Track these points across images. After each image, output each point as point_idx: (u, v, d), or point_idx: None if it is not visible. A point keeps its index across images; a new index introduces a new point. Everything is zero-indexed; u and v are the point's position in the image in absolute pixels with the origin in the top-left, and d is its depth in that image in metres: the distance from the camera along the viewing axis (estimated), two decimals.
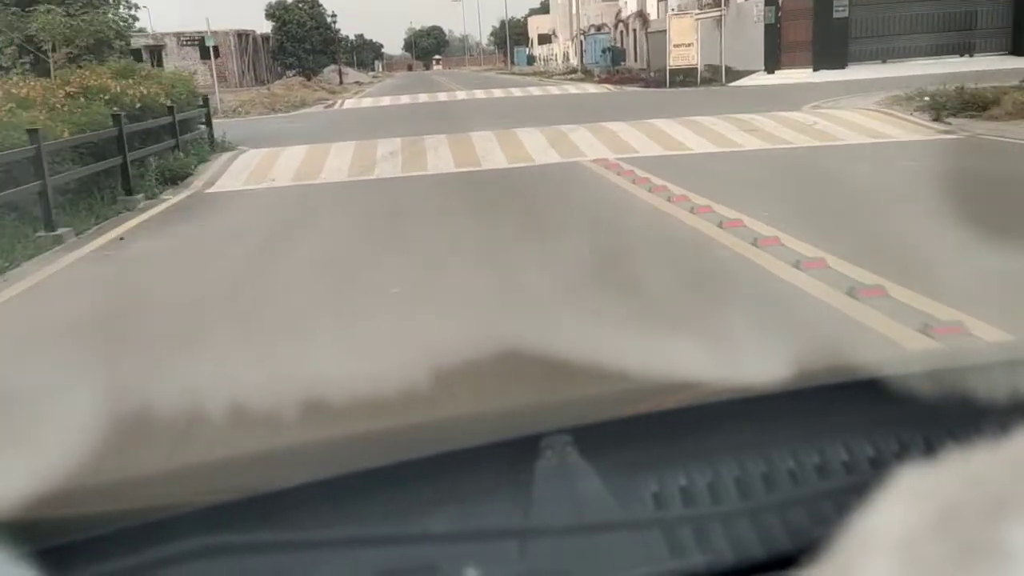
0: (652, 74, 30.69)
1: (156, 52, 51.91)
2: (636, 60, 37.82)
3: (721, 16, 24.25)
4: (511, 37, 79.23)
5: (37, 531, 0.60)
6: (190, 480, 0.78)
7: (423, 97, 27.05)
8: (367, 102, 26.80)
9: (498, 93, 26.99)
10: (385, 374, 3.49)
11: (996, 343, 3.22)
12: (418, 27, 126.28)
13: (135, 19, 31.82)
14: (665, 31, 34.17)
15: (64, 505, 0.71)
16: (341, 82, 51.60)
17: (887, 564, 0.39)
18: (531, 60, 66.02)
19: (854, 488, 0.54)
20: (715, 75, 25.47)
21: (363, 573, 0.57)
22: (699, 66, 25.03)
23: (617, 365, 2.87)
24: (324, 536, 0.60)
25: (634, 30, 39.18)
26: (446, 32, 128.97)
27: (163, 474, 0.85)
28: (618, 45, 37.89)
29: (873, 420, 0.72)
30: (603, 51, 37.02)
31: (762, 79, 23.88)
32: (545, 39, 68.05)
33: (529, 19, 78.86)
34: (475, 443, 0.71)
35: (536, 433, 0.67)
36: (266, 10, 57.12)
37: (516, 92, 27.16)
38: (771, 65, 24.60)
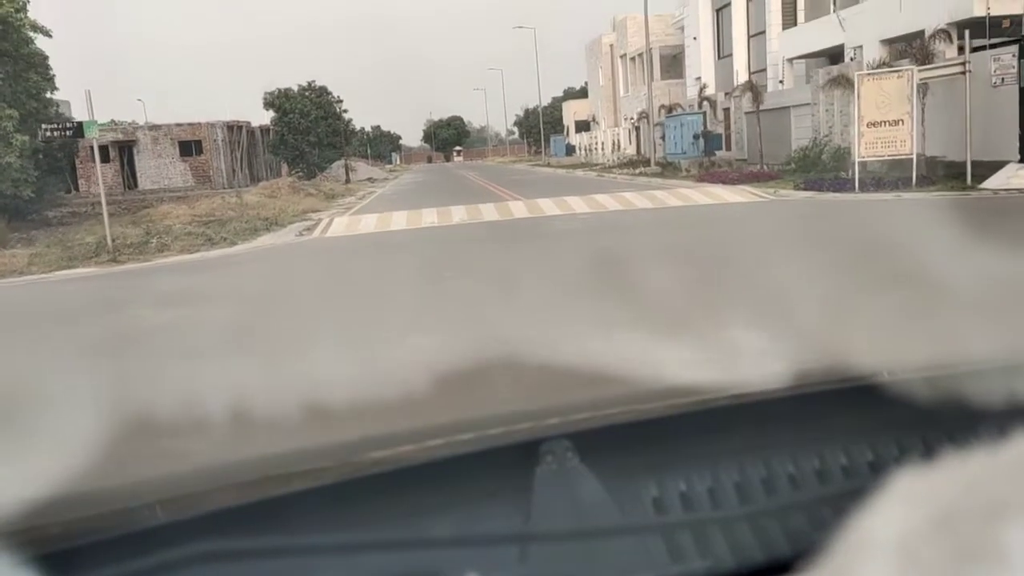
0: (764, 166, 21.16)
1: (126, 148, 43.35)
2: (731, 148, 28.39)
3: (964, 71, 14.33)
4: (543, 124, 70.84)
5: (39, 536, 0.60)
6: (190, 484, 0.75)
7: (459, 214, 16.56)
8: (368, 223, 16.78)
9: (577, 204, 16.99)
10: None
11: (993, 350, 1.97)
12: (437, 118, 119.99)
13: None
14: (785, 109, 24.89)
15: (66, 510, 0.70)
16: (348, 180, 42.56)
17: (885, 567, 0.39)
18: (570, 150, 57.07)
19: (853, 492, 0.54)
20: (935, 169, 15.60)
21: None
22: (914, 155, 15.12)
23: (617, 370, 2.83)
24: (325, 541, 0.60)
25: (725, 109, 29.89)
26: (466, 122, 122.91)
27: (164, 479, 0.75)
28: (711, 129, 28.25)
29: (872, 424, 0.72)
30: (695, 137, 27.32)
31: None
32: (583, 126, 59.65)
33: (564, 104, 70.51)
34: (476, 448, 0.70)
35: (536, 438, 0.66)
36: (264, 99, 48.35)
37: (607, 202, 17.14)
38: None
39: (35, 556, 0.55)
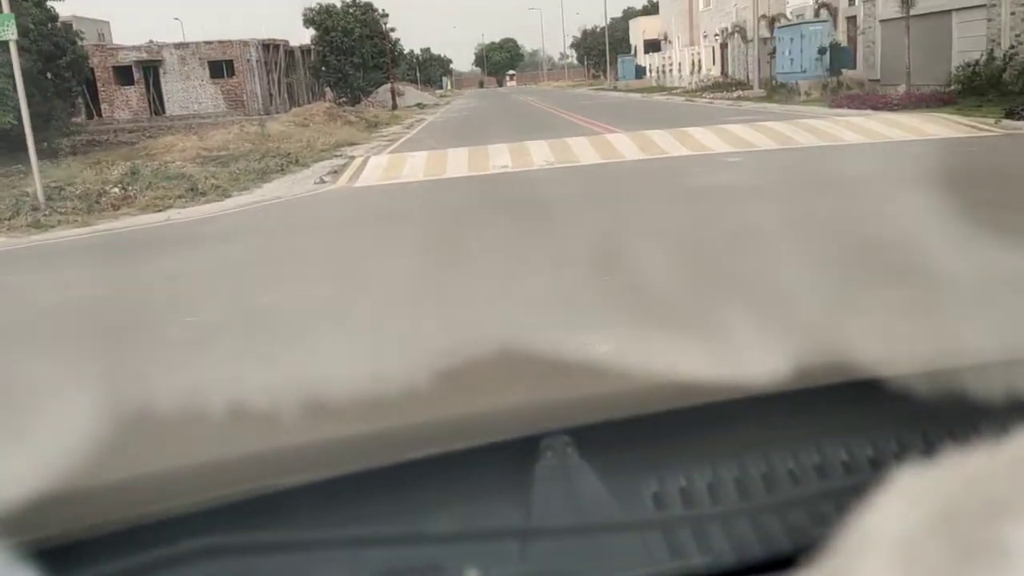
0: (912, 88, 16.09)
1: (151, 69, 39.16)
2: (857, 66, 23.05)
3: None
4: (608, 45, 64.83)
5: (38, 531, 0.60)
6: (191, 480, 0.75)
7: (541, 152, 11.70)
8: (415, 165, 12.04)
9: (708, 138, 12.13)
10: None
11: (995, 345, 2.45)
12: (489, 40, 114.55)
13: None
14: (945, 13, 19.47)
15: (65, 505, 0.69)
16: (395, 105, 37.99)
17: (886, 564, 0.39)
18: (640, 72, 51.39)
19: (853, 488, 0.54)
20: None
21: (364, 574, 0.58)
22: None
23: (617, 365, 2.83)
24: (325, 536, 0.60)
25: (849, 19, 24.41)
26: (519, 45, 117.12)
27: (163, 474, 0.74)
28: (839, 42, 22.89)
29: (872, 420, 0.72)
30: (820, 52, 21.98)
31: None
32: (653, 46, 53.78)
33: (632, 22, 64.23)
34: (475, 444, 0.70)
35: (536, 434, 0.66)
36: (304, 15, 43.70)
37: (749, 135, 12.26)
38: None
39: (36, 552, 0.54)
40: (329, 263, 6.07)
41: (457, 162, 11.85)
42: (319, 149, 16.80)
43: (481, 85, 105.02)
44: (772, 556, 0.59)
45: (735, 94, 26.99)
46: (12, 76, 16.07)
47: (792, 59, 23.42)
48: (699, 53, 41.94)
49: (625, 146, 12.17)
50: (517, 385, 2.98)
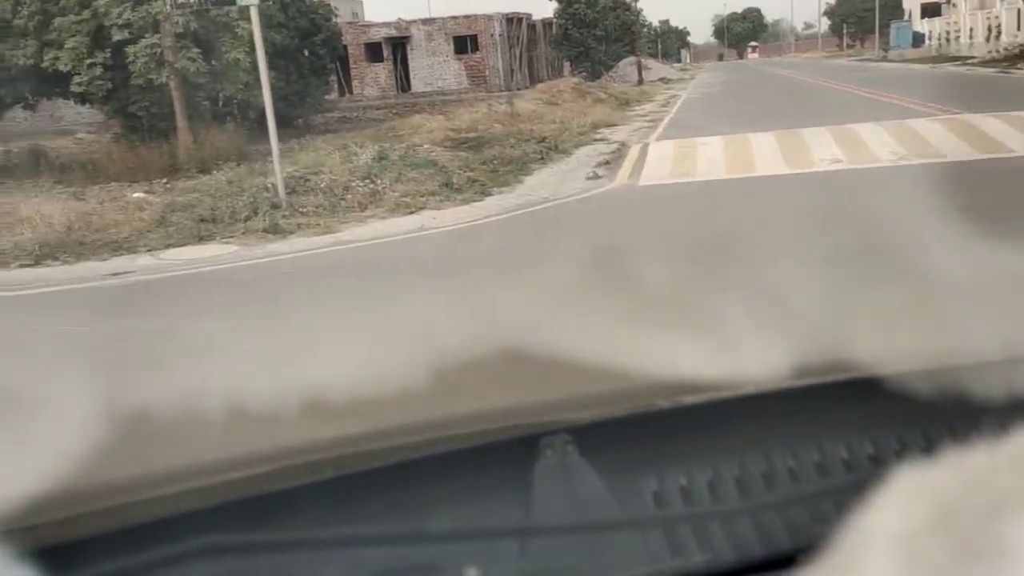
0: None
1: (400, 46, 39.40)
2: None
3: None
4: (866, 12, 58.29)
5: (39, 531, 0.60)
6: (190, 480, 0.74)
7: (882, 141, 8.86)
8: (710, 155, 9.58)
9: None
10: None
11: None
12: (729, 11, 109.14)
13: None
14: None
15: (65, 505, 0.69)
16: (640, 80, 35.59)
17: (886, 562, 0.39)
18: (918, 39, 45.26)
19: (854, 486, 0.54)
20: None
21: (364, 572, 0.58)
22: None
23: (617, 364, 2.43)
24: (325, 536, 0.60)
25: None
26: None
27: (163, 474, 0.73)
28: None
29: (873, 418, 0.72)
30: None
31: None
32: (932, 10, 47.30)
33: None
34: (476, 443, 0.70)
35: (536, 432, 0.66)
36: None
37: None
38: None
39: (38, 551, 0.54)
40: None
41: (765, 152, 9.33)
42: (576, 131, 14.85)
43: (720, 58, 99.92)
44: (772, 554, 0.59)
45: None
46: (268, 51, 15.48)
47: None
48: (999, 15, 35.83)
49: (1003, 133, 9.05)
50: (517, 385, 2.75)
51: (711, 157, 9.48)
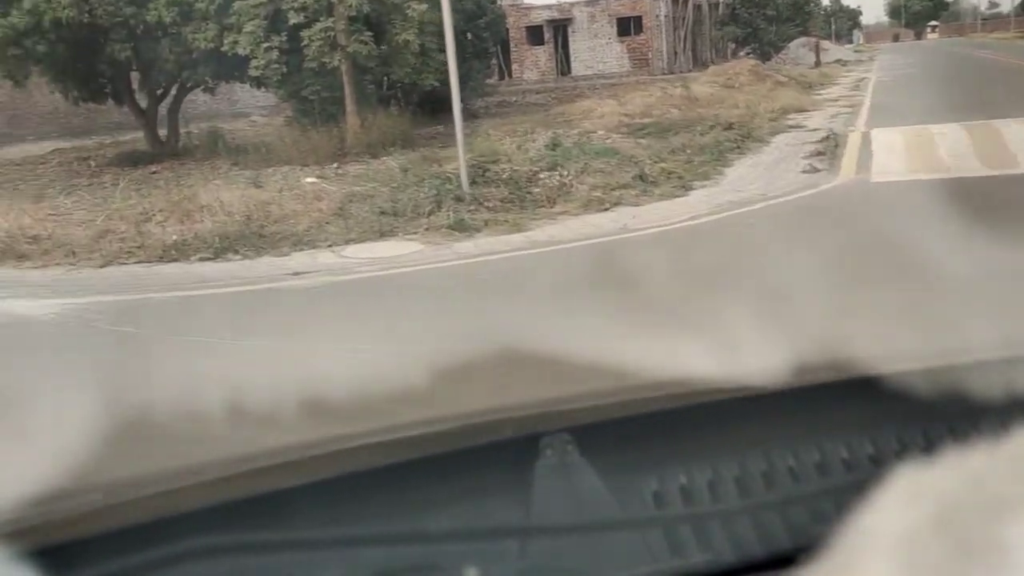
0: None
1: (561, 28, 38.58)
2: None
3: None
4: None
5: (38, 530, 0.60)
6: (190, 480, 0.73)
7: None
8: (955, 150, 8.24)
9: None
10: None
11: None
12: None
13: None
14: None
15: (65, 504, 0.68)
16: (818, 62, 33.27)
17: (886, 562, 0.39)
18: None
19: (854, 486, 0.53)
20: None
21: (364, 572, 0.57)
22: None
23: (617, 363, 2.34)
24: (325, 536, 0.59)
25: None
26: None
27: (163, 474, 0.72)
28: None
29: (873, 418, 0.71)
30: None
31: None
32: None
33: None
34: (476, 443, 0.69)
35: (537, 432, 0.66)
36: None
37: None
38: None
39: (35, 551, 0.54)
40: None
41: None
42: (766, 118, 13.54)
43: (896, 38, 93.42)
44: (772, 554, 0.59)
45: None
46: (437, 34, 15.03)
47: None
48: None
49: None
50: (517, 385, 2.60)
51: (954, 149, 8.06)
